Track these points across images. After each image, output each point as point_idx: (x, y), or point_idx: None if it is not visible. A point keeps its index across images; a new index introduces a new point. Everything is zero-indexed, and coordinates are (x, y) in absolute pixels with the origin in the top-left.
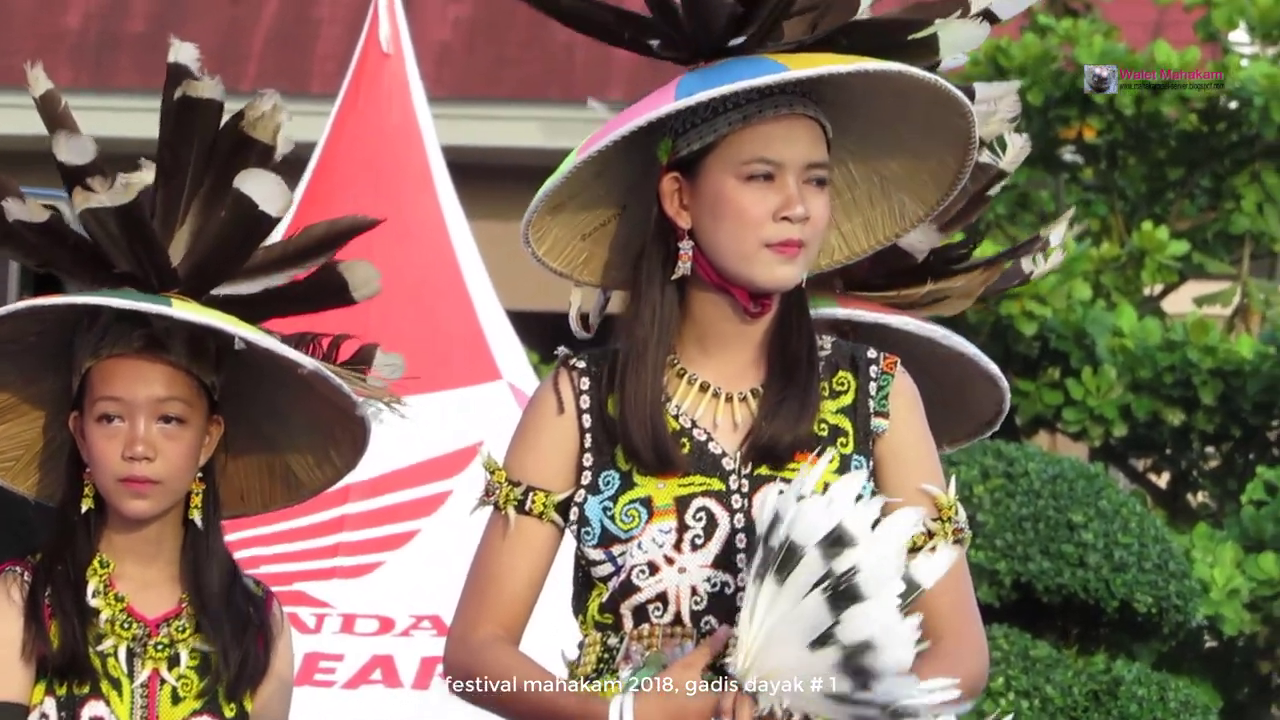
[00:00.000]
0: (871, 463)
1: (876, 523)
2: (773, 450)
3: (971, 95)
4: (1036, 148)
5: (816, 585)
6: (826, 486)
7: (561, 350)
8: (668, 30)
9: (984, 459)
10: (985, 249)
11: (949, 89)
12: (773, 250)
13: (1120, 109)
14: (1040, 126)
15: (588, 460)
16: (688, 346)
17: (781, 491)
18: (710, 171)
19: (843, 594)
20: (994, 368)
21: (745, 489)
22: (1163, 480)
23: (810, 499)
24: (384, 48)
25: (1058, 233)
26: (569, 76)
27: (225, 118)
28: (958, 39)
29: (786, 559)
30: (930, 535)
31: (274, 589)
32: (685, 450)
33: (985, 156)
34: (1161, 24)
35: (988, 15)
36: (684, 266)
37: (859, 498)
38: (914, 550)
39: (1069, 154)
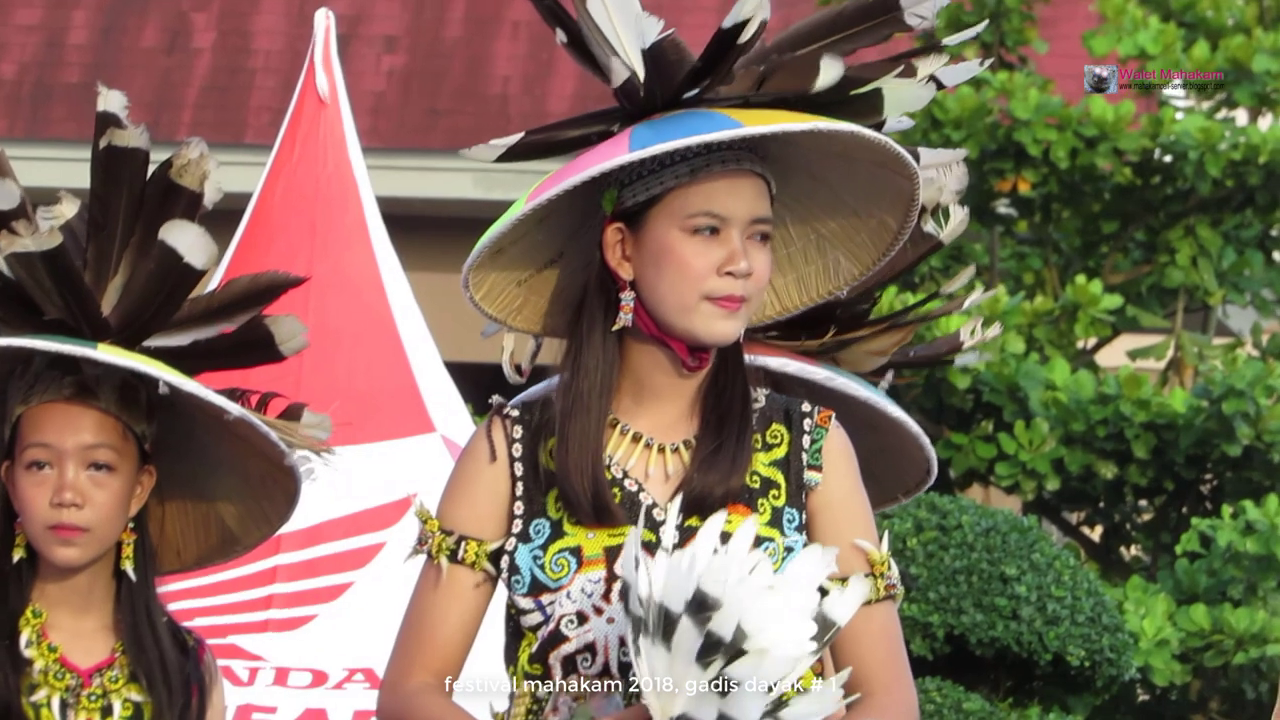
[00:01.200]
0: (804, 516)
1: (755, 570)
2: (704, 502)
3: (916, 158)
4: (971, 200)
5: (704, 652)
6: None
7: (495, 399)
8: (623, 97)
9: (917, 512)
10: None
11: (898, 151)
12: (714, 304)
13: (1055, 162)
14: (975, 179)
15: (518, 509)
16: (622, 397)
17: (639, 558)
18: (655, 223)
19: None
20: (896, 411)
21: (676, 540)
22: (1096, 533)
23: (670, 557)
24: (322, 96)
25: (957, 283)
26: (503, 127)
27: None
28: (902, 98)
29: (668, 625)
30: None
31: (207, 641)
32: (616, 501)
33: (928, 226)
34: None
35: (932, 79)
36: (625, 318)
37: (783, 547)
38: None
39: (1003, 206)
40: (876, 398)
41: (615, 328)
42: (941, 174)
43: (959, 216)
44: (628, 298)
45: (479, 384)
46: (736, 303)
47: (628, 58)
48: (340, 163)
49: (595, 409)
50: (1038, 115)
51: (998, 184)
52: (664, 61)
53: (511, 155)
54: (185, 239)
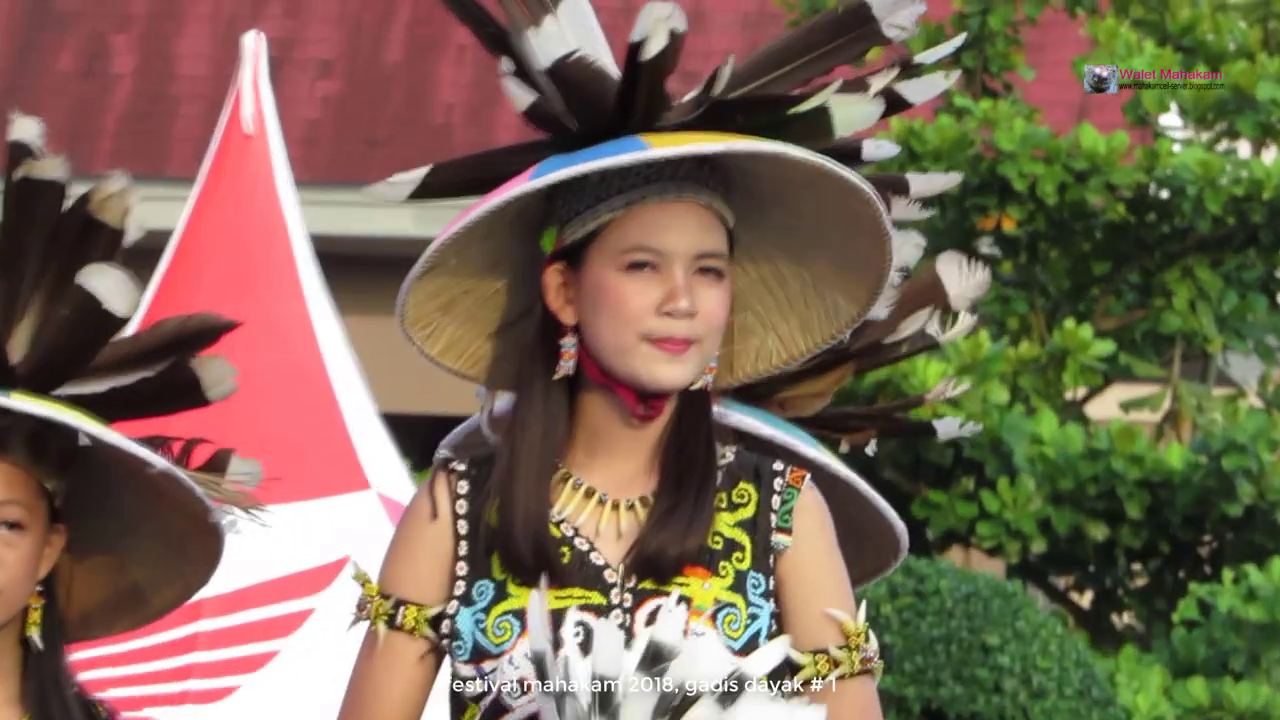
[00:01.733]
0: (772, 581)
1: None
2: (658, 563)
3: (905, 187)
4: (951, 239)
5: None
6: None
7: (441, 452)
8: (555, 130)
9: (892, 576)
10: None
11: (839, 172)
12: (654, 345)
13: (1042, 197)
14: (955, 216)
15: (461, 569)
16: (576, 450)
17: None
18: (593, 261)
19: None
20: (815, 453)
21: (628, 604)
22: (1085, 599)
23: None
24: (246, 128)
25: (878, 308)
26: (447, 159)
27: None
28: (852, 117)
29: (606, 701)
30: (836, 663)
31: (122, 714)
32: (565, 560)
33: (931, 326)
34: (1087, 106)
35: (894, 99)
36: (567, 365)
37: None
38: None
39: (986, 246)
40: (784, 436)
41: (556, 376)
42: (961, 279)
43: (967, 323)
44: (569, 343)
45: (417, 437)
46: (680, 345)
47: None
48: (269, 197)
49: (537, 464)
50: (1023, 147)
51: (980, 221)
52: (571, 84)
53: (425, 193)
54: (106, 283)
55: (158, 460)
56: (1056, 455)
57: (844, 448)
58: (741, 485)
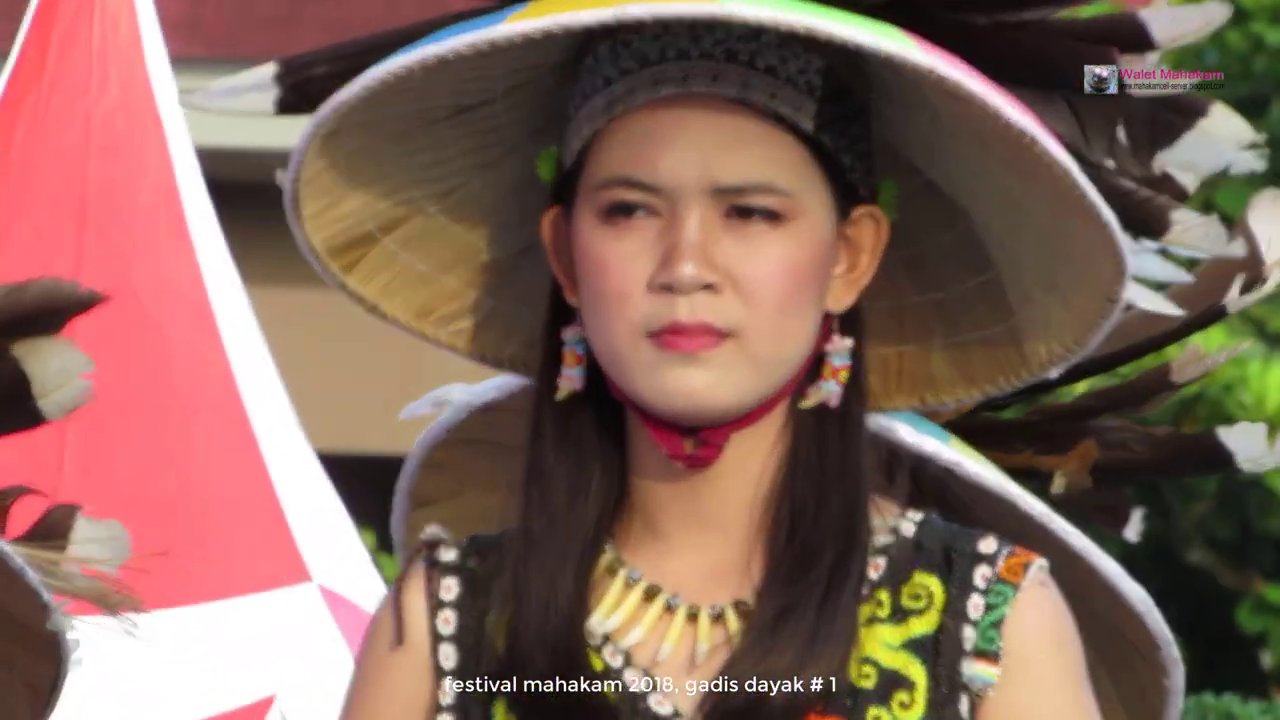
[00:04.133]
0: None
1: None
2: (760, 709)
3: (1143, 37)
4: None
5: None
6: None
7: (428, 531)
8: None
9: None
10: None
11: (880, 48)
12: (655, 343)
13: None
14: None
15: None
16: (631, 522)
17: None
18: (579, 205)
19: None
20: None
21: None
22: None
23: None
24: None
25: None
26: (405, 19)
27: None
28: None
29: None
30: None
31: None
32: (609, 702)
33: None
34: None
35: None
36: (570, 375)
37: None
38: None
39: None
40: (986, 472)
41: (558, 395)
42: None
43: (1276, 279)
44: (571, 339)
45: (377, 493)
46: (698, 337)
47: None
48: (134, 88)
49: (562, 542)
50: None
51: None
52: None
53: (304, 100)
54: None
55: None
56: None
57: (1057, 486)
58: (918, 579)
